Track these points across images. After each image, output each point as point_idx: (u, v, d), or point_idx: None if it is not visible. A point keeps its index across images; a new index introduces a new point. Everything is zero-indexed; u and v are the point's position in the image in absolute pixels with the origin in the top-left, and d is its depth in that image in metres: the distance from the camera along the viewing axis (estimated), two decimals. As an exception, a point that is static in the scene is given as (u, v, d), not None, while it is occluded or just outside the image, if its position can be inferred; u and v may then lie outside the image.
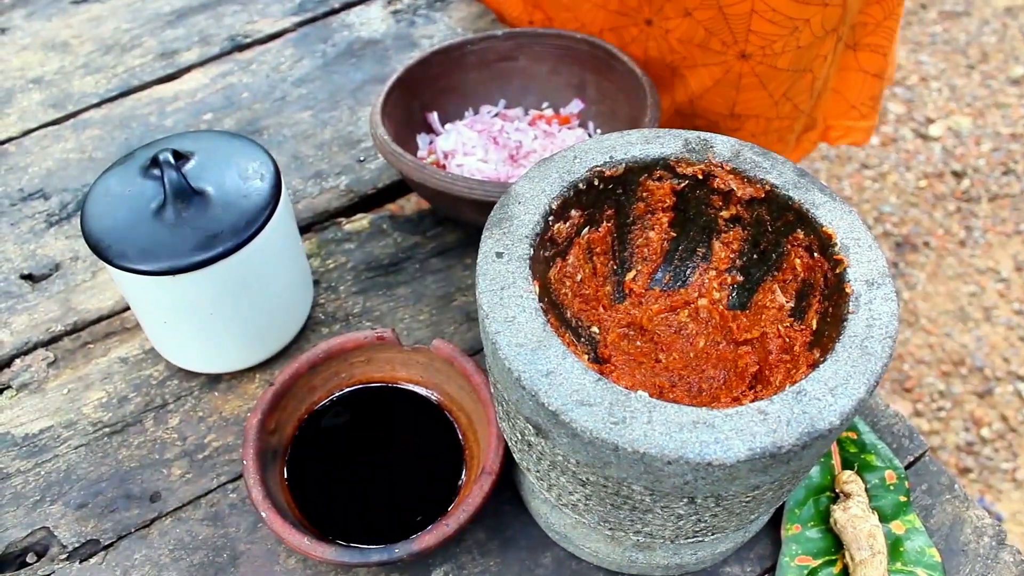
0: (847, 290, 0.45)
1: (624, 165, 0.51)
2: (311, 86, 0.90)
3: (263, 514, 0.53)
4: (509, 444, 0.50)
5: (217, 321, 0.61)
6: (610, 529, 0.47)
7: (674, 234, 0.56)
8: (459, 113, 0.82)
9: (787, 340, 0.51)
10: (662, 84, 0.88)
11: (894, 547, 0.57)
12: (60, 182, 0.82)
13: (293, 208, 0.72)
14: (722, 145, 0.51)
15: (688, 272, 0.57)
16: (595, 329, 0.55)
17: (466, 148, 0.75)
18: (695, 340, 0.55)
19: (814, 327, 0.49)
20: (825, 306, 0.48)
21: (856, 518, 0.56)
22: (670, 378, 0.53)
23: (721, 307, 0.55)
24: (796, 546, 0.57)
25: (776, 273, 0.53)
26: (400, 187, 0.81)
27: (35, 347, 0.69)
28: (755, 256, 0.54)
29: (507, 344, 0.42)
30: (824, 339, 0.47)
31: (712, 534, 0.46)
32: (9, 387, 0.67)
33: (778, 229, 0.52)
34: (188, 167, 0.60)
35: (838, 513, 0.56)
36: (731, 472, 0.39)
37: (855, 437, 0.61)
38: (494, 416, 0.55)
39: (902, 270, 1.75)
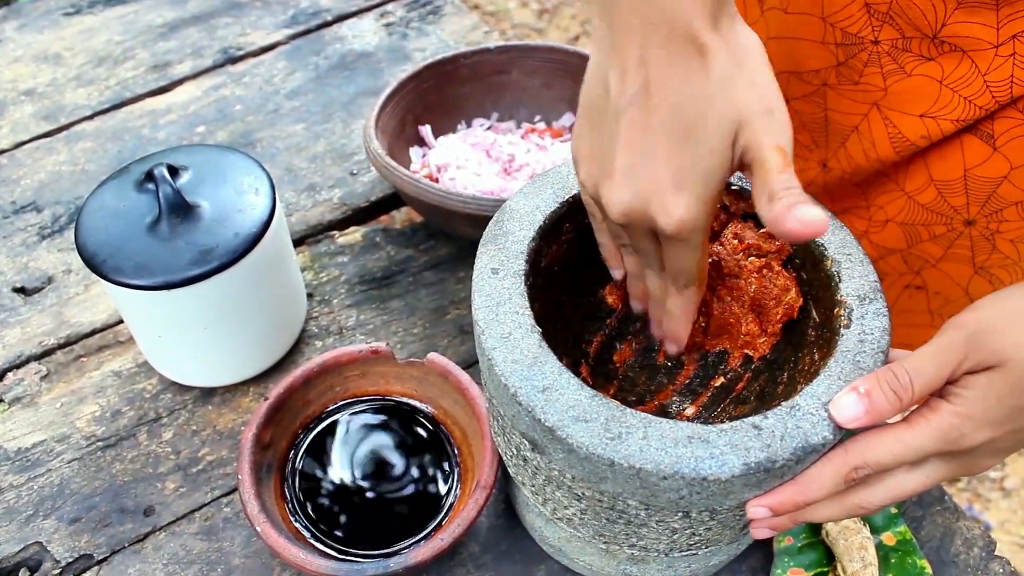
0: (839, 305, 0.45)
1: None
2: (304, 99, 0.91)
3: (258, 528, 0.53)
4: (504, 459, 0.50)
5: (211, 335, 0.61)
6: (604, 543, 0.47)
7: None
8: (452, 126, 0.82)
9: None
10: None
11: (885, 559, 0.57)
12: (52, 195, 0.82)
13: (286, 221, 0.72)
14: None
15: None
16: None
17: (459, 161, 0.75)
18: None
19: (805, 344, 0.50)
20: (817, 321, 0.49)
21: (847, 530, 0.56)
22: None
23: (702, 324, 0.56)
24: (788, 558, 0.57)
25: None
26: (393, 200, 0.81)
27: (28, 361, 0.69)
28: None
29: (503, 360, 0.42)
30: (817, 353, 0.47)
31: (706, 547, 0.46)
32: (2, 401, 0.67)
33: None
34: (183, 181, 0.60)
35: (829, 525, 0.57)
36: (726, 487, 0.39)
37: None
38: (488, 430, 0.55)
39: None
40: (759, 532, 0.44)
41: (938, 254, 0.64)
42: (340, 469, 0.60)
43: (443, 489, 0.59)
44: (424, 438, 0.61)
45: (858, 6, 0.55)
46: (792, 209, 0.37)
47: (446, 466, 0.60)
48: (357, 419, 0.62)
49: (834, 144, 0.63)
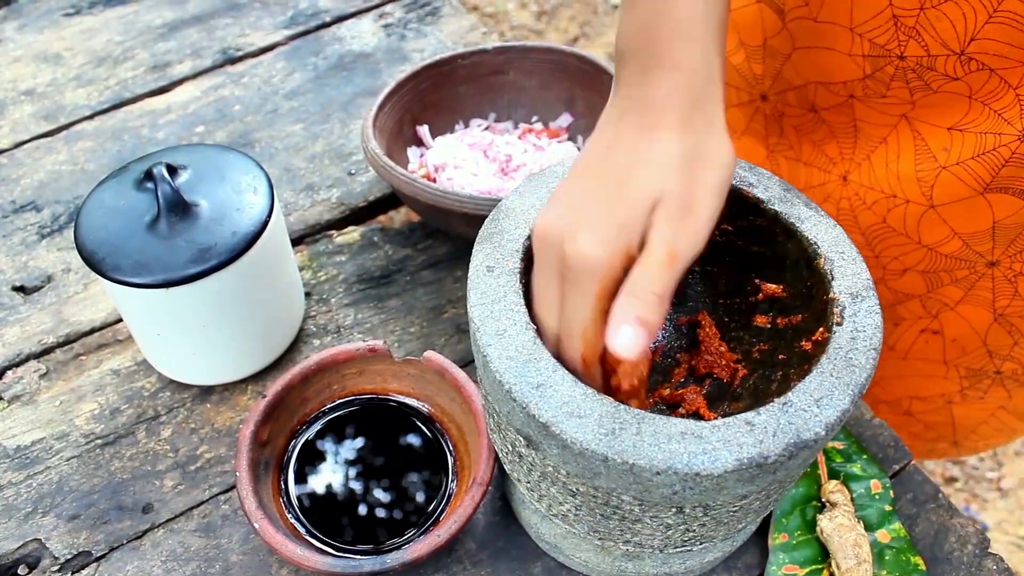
0: (832, 303, 0.46)
1: None
2: (303, 99, 0.91)
3: (256, 525, 0.53)
4: (500, 455, 0.50)
5: (210, 333, 0.62)
6: (600, 539, 0.47)
7: None
8: (449, 127, 0.82)
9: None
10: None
11: (880, 556, 0.57)
12: (52, 194, 0.82)
13: (285, 221, 0.72)
14: None
15: None
16: None
17: (456, 161, 0.76)
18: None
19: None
20: (811, 318, 0.49)
21: (842, 527, 0.56)
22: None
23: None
24: (783, 555, 0.57)
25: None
26: (391, 200, 0.82)
27: (27, 359, 0.69)
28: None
29: (498, 357, 0.42)
30: (810, 350, 0.48)
31: (700, 543, 0.47)
32: (1, 399, 0.67)
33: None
34: (182, 180, 0.61)
35: (824, 522, 0.57)
36: (719, 482, 0.39)
37: (841, 447, 0.62)
38: (485, 427, 0.55)
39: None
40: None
41: (958, 297, 0.64)
42: (337, 466, 0.60)
43: (440, 486, 0.59)
44: (421, 435, 0.61)
45: (886, 17, 0.54)
46: (620, 326, 0.39)
47: (442, 463, 0.60)
48: (354, 417, 0.62)
49: (859, 156, 0.63)
